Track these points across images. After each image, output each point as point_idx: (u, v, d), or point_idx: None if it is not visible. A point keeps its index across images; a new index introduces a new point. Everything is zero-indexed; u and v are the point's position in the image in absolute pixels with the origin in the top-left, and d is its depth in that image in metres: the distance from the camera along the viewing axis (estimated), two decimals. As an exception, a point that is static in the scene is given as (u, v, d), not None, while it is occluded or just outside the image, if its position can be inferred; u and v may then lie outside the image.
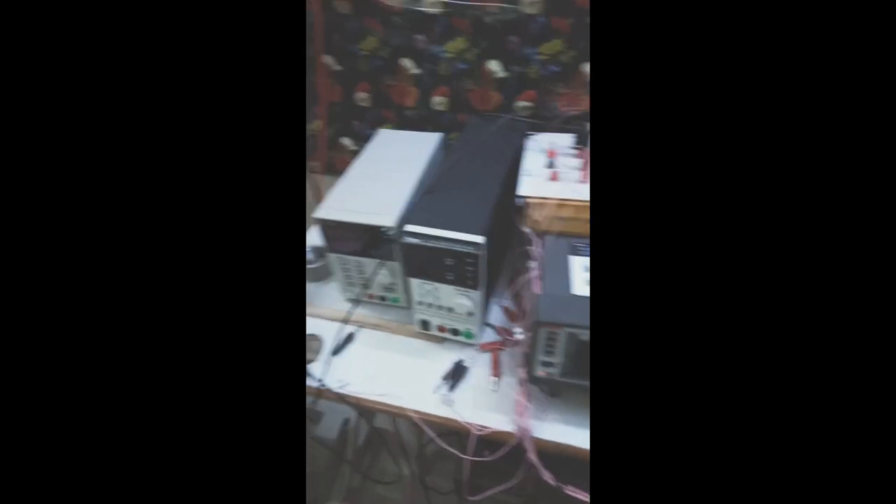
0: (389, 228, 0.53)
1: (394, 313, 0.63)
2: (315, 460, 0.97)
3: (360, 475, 1.14)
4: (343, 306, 0.63)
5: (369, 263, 0.58)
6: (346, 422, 1.07)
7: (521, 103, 0.73)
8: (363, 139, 0.79)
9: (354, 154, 0.69)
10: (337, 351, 0.58)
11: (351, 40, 0.73)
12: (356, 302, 0.62)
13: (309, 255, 0.70)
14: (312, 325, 0.61)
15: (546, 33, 0.66)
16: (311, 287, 0.69)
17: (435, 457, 1.13)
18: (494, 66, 0.71)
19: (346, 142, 0.85)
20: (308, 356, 0.58)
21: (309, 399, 0.55)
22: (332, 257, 0.60)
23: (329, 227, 0.56)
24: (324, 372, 0.55)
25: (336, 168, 0.87)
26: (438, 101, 0.77)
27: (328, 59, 0.76)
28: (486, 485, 1.09)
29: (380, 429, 1.18)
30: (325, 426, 1.05)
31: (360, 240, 0.57)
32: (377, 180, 0.61)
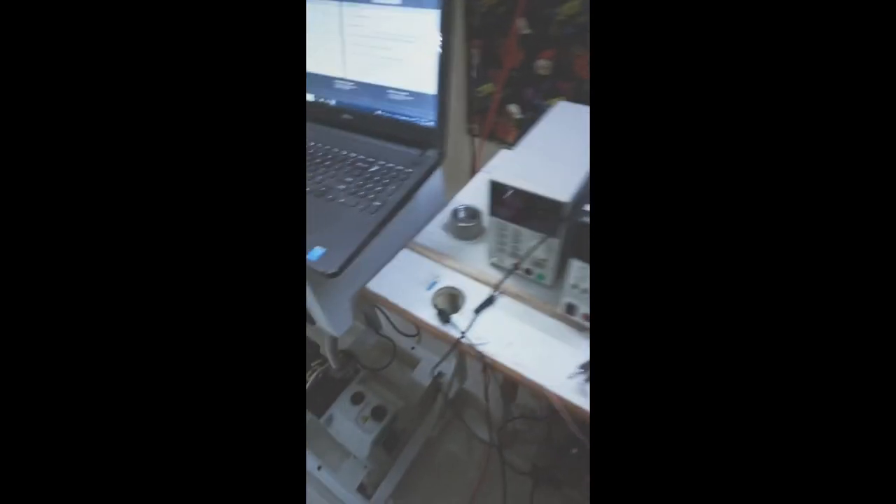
0: (566, 204, 0.52)
1: (535, 288, 0.63)
2: (408, 397, 1.04)
3: (439, 426, 1.19)
4: (487, 269, 0.65)
5: (528, 234, 0.58)
6: (439, 374, 1.12)
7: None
8: (532, 108, 0.78)
9: (520, 122, 0.68)
10: (479, 310, 0.60)
11: (550, 3, 0.71)
12: (502, 269, 0.63)
13: (461, 214, 0.72)
14: (457, 281, 0.64)
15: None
16: (459, 244, 0.71)
17: (515, 435, 1.14)
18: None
19: (513, 109, 0.85)
20: (451, 308, 0.60)
21: (441, 348, 0.58)
22: (491, 221, 0.61)
23: (498, 190, 0.57)
24: (468, 326, 0.58)
25: (497, 135, 0.88)
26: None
27: (521, 22, 0.75)
28: (562, 478, 1.07)
29: (469, 391, 1.22)
30: (420, 372, 1.11)
31: (526, 209, 0.56)
32: (554, 153, 0.60)
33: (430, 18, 0.56)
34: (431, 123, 0.63)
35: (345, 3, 0.62)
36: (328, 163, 0.65)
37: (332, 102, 0.71)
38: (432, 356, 1.14)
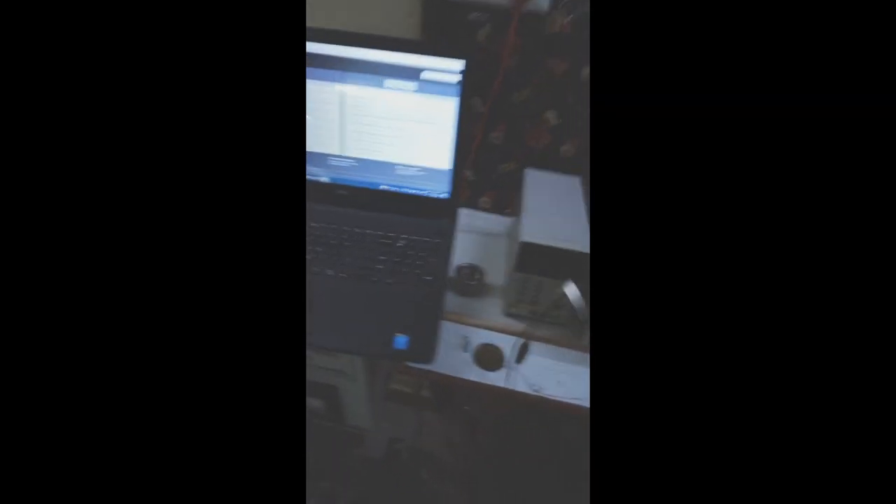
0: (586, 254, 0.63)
1: (556, 329, 0.71)
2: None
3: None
4: (503, 320, 0.71)
5: (550, 282, 0.67)
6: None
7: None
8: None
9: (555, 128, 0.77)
10: (520, 359, 0.65)
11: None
12: (521, 317, 0.70)
13: (464, 272, 0.77)
14: (483, 336, 0.68)
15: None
16: (465, 301, 0.75)
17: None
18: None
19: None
20: (493, 365, 0.64)
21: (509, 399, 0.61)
22: (514, 276, 0.68)
23: (528, 249, 0.65)
24: (513, 378, 0.62)
25: (527, 143, 0.92)
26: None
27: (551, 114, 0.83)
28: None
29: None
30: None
31: (551, 262, 0.66)
32: (554, 214, 0.71)
33: (448, 106, 0.62)
34: (444, 195, 0.68)
35: (348, 85, 0.63)
36: (348, 244, 0.63)
37: (324, 179, 0.69)
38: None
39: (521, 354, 0.67)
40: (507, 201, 0.97)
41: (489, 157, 0.93)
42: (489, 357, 0.67)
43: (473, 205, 1.01)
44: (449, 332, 0.68)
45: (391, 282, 0.57)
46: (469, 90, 0.61)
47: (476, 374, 0.63)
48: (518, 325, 0.70)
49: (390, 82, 0.61)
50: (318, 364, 0.72)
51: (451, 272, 0.77)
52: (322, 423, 0.83)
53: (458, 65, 0.58)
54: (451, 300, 0.75)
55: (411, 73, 0.60)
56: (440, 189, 0.68)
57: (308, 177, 0.69)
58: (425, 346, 0.50)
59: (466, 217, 0.98)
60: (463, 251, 0.84)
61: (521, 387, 0.61)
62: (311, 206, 0.70)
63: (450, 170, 0.66)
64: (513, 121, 0.86)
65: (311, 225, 0.67)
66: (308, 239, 0.63)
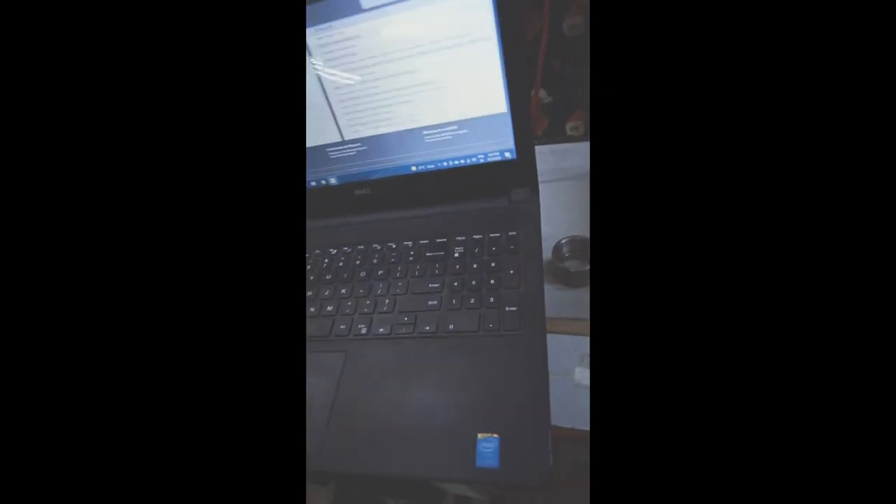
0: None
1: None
2: None
3: None
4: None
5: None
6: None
7: None
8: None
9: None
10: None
11: None
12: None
13: (566, 251, 0.52)
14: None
15: None
16: (571, 295, 0.51)
17: None
18: None
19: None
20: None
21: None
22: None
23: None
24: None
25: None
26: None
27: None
28: None
29: None
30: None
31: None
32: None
33: (481, 15, 0.35)
34: (509, 154, 0.42)
35: (318, 29, 0.39)
36: (381, 270, 0.42)
37: (332, 181, 0.48)
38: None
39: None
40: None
41: (562, 66, 0.64)
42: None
43: (557, 137, 0.72)
44: (555, 346, 0.45)
45: (452, 330, 0.35)
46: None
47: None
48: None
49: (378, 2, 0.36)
50: None
51: (547, 254, 0.52)
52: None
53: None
54: (552, 296, 0.50)
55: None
56: (500, 146, 0.42)
57: (311, 182, 0.48)
58: (530, 451, 0.28)
59: (550, 158, 0.70)
60: (557, 215, 0.58)
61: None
62: (316, 224, 0.50)
63: (506, 112, 0.40)
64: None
65: (316, 252, 0.47)
66: (314, 278, 0.44)
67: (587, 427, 0.41)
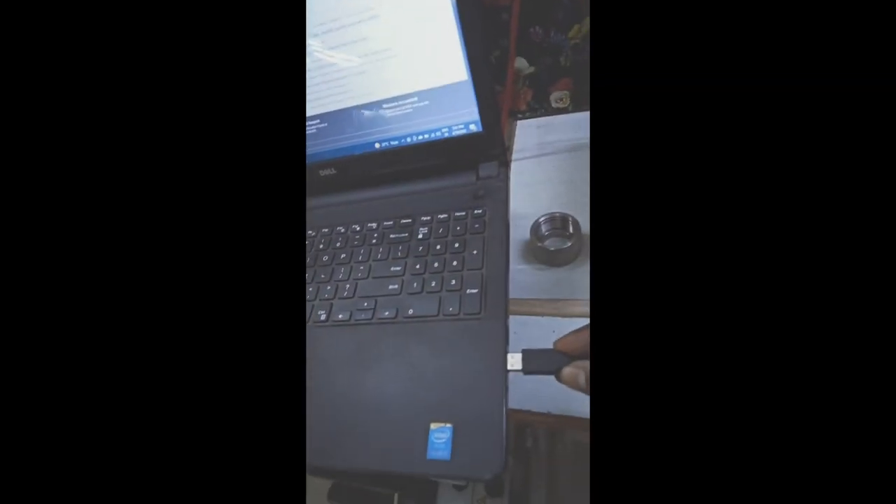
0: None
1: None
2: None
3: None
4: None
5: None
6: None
7: None
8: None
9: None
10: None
11: None
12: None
13: (545, 229, 0.49)
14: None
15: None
16: (552, 275, 0.48)
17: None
18: None
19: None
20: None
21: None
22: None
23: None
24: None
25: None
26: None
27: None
28: None
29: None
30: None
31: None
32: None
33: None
34: (474, 126, 0.39)
35: None
36: (343, 255, 0.40)
37: (295, 161, 0.45)
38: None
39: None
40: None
41: (545, 33, 0.60)
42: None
43: (541, 109, 0.69)
44: (533, 328, 0.43)
45: (411, 315, 0.34)
46: None
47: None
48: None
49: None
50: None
51: (527, 232, 0.50)
52: None
53: None
54: (531, 277, 0.48)
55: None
56: (464, 118, 0.39)
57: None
58: (484, 442, 0.27)
59: (534, 133, 0.66)
60: (541, 192, 0.55)
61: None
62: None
63: (468, 80, 0.37)
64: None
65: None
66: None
67: (562, 412, 0.40)
